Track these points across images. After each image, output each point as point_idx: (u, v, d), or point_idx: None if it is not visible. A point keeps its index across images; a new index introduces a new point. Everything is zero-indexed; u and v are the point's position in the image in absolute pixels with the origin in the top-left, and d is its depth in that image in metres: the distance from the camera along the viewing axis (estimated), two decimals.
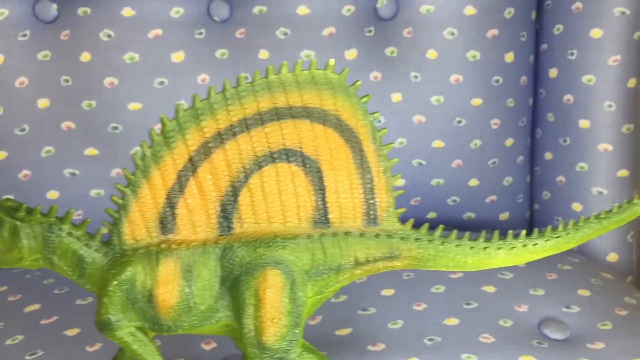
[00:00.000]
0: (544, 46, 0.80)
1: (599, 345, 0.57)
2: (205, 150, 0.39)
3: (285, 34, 0.73)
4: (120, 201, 0.40)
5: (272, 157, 0.39)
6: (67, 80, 0.72)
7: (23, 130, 0.72)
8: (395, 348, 0.55)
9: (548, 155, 0.81)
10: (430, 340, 0.56)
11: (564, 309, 0.61)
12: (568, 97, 0.77)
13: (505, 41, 0.77)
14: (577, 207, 0.79)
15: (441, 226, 0.42)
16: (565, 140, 0.78)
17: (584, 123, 0.77)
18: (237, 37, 0.73)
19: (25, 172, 0.72)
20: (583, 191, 0.77)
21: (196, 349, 0.56)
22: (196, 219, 0.40)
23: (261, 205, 0.40)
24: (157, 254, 0.39)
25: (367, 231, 0.41)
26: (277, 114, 0.38)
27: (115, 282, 0.39)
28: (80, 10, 0.71)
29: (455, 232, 0.42)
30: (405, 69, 0.76)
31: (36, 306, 0.63)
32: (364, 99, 0.39)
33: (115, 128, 0.72)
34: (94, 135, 0.72)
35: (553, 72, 0.79)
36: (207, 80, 0.72)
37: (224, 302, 0.40)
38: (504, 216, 0.83)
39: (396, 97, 0.76)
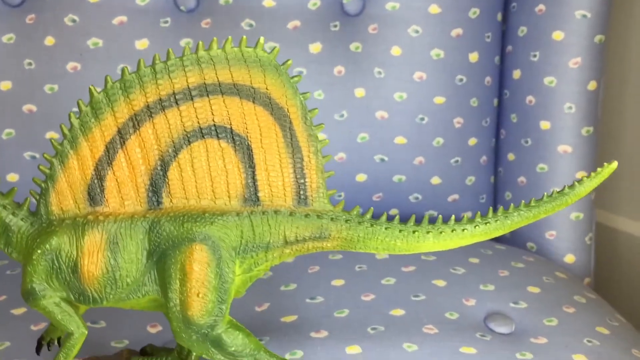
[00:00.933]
0: (509, 48, 0.81)
1: (542, 340, 0.57)
2: (134, 124, 0.39)
3: (251, 25, 0.74)
4: (48, 171, 0.40)
5: (201, 133, 0.39)
6: (30, 64, 0.72)
7: None
8: (338, 335, 0.55)
9: (511, 156, 0.82)
10: (373, 329, 0.56)
11: (512, 304, 0.62)
12: (530, 99, 0.78)
13: (469, 41, 0.78)
14: None
15: (371, 209, 0.42)
16: (526, 141, 0.79)
17: (544, 124, 0.77)
18: (202, 27, 0.74)
19: None
20: (543, 192, 0.77)
21: (142, 332, 0.56)
22: (125, 192, 0.40)
23: (191, 181, 0.40)
24: (83, 225, 0.40)
25: (297, 211, 0.41)
26: (207, 90, 0.39)
27: (39, 251, 0.39)
28: None
29: (385, 215, 0.43)
30: (369, 64, 0.76)
31: None
32: (295, 79, 0.40)
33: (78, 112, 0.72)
34: (56, 119, 0.72)
35: (517, 74, 0.80)
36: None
37: (151, 276, 0.40)
38: (467, 216, 0.83)
39: (359, 92, 0.76)
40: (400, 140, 0.78)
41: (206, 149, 0.40)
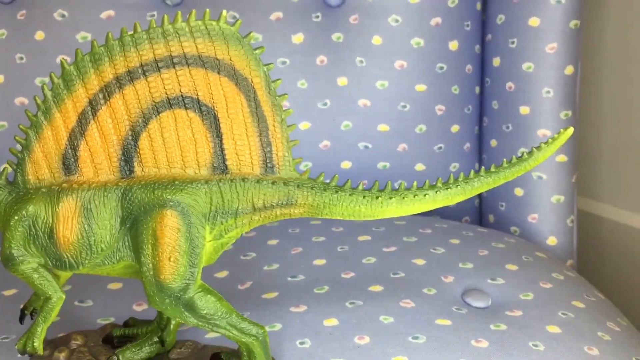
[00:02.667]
0: (489, 36, 0.83)
1: (517, 313, 0.58)
2: (104, 95, 0.41)
3: (234, 17, 0.76)
4: (24, 141, 0.42)
5: (169, 103, 0.41)
6: (21, 58, 0.74)
7: None
8: (316, 309, 0.56)
9: (493, 143, 0.83)
10: (351, 303, 0.58)
11: (489, 281, 0.63)
12: (510, 85, 0.80)
13: (449, 30, 0.80)
14: (519, 192, 0.81)
15: (336, 176, 0.44)
16: (507, 127, 0.81)
17: (524, 109, 0.79)
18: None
19: None
20: (524, 176, 0.79)
21: (127, 310, 0.58)
22: (97, 162, 0.42)
23: (161, 150, 0.42)
24: (58, 193, 0.41)
25: (264, 178, 0.43)
26: (173, 62, 0.41)
27: (17, 218, 0.41)
28: None
29: (349, 182, 0.44)
30: (351, 54, 0.78)
31: None
32: (258, 51, 0.42)
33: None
34: None
35: (497, 61, 0.81)
36: None
37: (124, 242, 0.42)
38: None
39: (342, 81, 0.78)
40: (383, 127, 0.80)
41: (174, 118, 0.42)
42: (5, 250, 0.42)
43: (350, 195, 0.43)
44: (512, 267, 0.66)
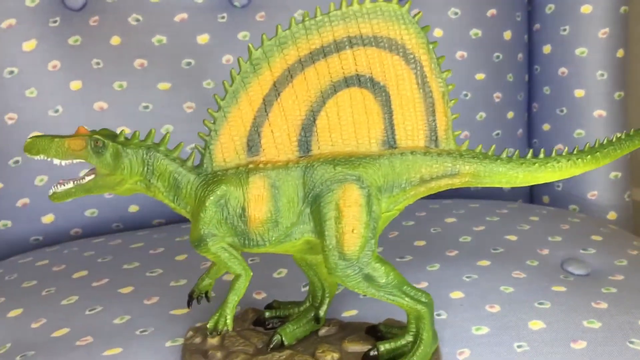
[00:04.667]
0: (537, 25, 0.87)
1: (619, 277, 0.62)
2: (287, 76, 0.43)
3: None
4: (212, 125, 0.43)
5: (345, 82, 0.43)
6: (98, 63, 0.75)
7: (57, 111, 0.74)
8: (438, 285, 0.59)
9: (546, 127, 0.87)
10: (468, 277, 0.60)
11: (582, 251, 0.67)
12: (563, 70, 0.84)
13: (503, 20, 0.83)
14: None
15: (493, 146, 0.47)
16: (562, 111, 0.85)
17: (579, 92, 0.83)
18: (257, 20, 0.78)
19: None
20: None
21: (249, 298, 0.59)
22: (279, 142, 0.43)
23: (337, 128, 0.44)
24: (246, 173, 0.43)
25: (430, 151, 0.45)
26: (350, 42, 0.43)
27: (212, 198, 0.42)
28: None
29: (506, 151, 0.47)
30: None
31: None
32: (424, 29, 0.44)
33: (146, 107, 0.75)
34: (125, 115, 0.75)
35: (547, 48, 0.86)
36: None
37: (306, 218, 0.44)
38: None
39: None
40: None
41: (350, 97, 0.43)
42: (198, 231, 0.43)
43: (508, 163, 0.46)
44: (597, 238, 0.70)
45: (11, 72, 0.73)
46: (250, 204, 0.43)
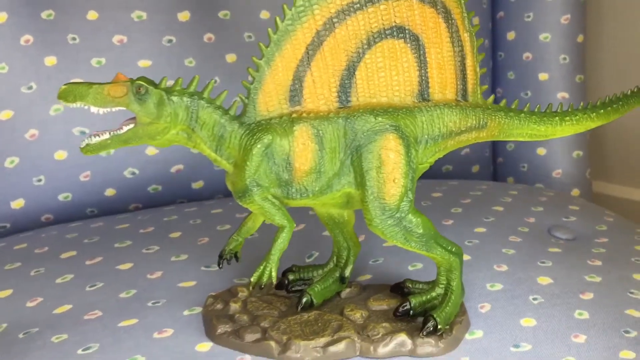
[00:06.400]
0: (501, 13, 0.91)
1: (604, 240, 0.65)
2: (330, 26, 0.42)
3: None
4: (256, 73, 0.42)
5: (384, 33, 0.44)
6: (74, 39, 0.71)
7: (30, 88, 0.70)
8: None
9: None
10: (469, 242, 0.61)
11: (564, 219, 0.70)
12: (527, 55, 0.88)
13: (469, 7, 0.86)
14: (541, 151, 0.89)
15: (516, 101, 0.48)
16: (526, 94, 0.89)
17: (543, 76, 0.87)
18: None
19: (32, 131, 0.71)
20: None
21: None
22: (320, 92, 0.43)
23: (374, 79, 0.44)
24: (290, 122, 0.42)
25: (460, 104, 0.46)
26: None
27: (259, 146, 0.41)
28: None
29: (528, 105, 0.49)
30: None
31: None
32: None
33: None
34: None
35: (511, 35, 0.89)
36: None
37: (346, 169, 0.43)
38: (475, 168, 0.92)
39: None
40: None
41: (388, 48, 0.44)
42: (244, 181, 0.42)
43: (531, 116, 0.48)
44: (574, 208, 0.73)
45: None
46: (295, 153, 0.42)
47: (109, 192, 0.75)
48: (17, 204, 0.72)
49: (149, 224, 0.68)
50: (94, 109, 0.40)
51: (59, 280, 0.57)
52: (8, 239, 0.68)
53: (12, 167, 0.71)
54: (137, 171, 0.75)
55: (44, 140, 0.71)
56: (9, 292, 0.56)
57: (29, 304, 0.54)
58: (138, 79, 0.41)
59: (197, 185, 0.78)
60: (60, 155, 0.72)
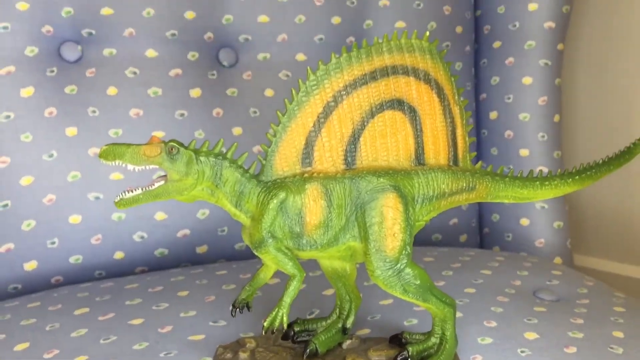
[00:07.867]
0: (484, 95, 0.99)
1: (585, 301, 0.70)
2: (338, 98, 0.49)
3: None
4: (273, 138, 0.48)
5: (385, 105, 0.50)
6: (94, 112, 0.77)
7: (51, 156, 0.75)
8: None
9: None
10: (460, 301, 0.66)
11: (548, 282, 0.75)
12: (509, 133, 0.95)
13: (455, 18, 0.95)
14: (524, 222, 0.95)
15: (502, 167, 0.54)
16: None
17: (523, 152, 0.94)
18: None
19: (50, 196, 0.75)
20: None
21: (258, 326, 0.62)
22: (328, 155, 0.48)
23: (376, 145, 0.50)
24: (302, 181, 0.48)
25: (452, 169, 0.52)
26: (388, 72, 0.50)
27: (275, 202, 0.46)
28: (106, 51, 0.79)
29: (512, 171, 0.54)
30: None
31: None
32: (448, 64, 0.52)
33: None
34: None
35: (493, 114, 0.97)
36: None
37: (351, 224, 0.48)
38: (463, 237, 0.97)
39: None
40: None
41: (388, 118, 0.50)
42: (260, 234, 0.46)
43: (515, 180, 0.53)
44: (556, 272, 0.78)
45: (7, 117, 0.74)
46: (307, 208, 0.47)
47: (118, 255, 0.79)
48: (30, 265, 0.76)
49: (157, 284, 0.72)
50: (130, 167, 0.45)
51: (74, 334, 0.60)
52: (20, 299, 0.71)
53: (28, 230, 0.75)
54: (145, 235, 0.79)
55: (60, 204, 0.76)
56: (25, 344, 0.59)
57: (46, 356, 0.57)
58: (170, 141, 0.46)
59: (201, 249, 0.82)
60: (75, 219, 0.76)
